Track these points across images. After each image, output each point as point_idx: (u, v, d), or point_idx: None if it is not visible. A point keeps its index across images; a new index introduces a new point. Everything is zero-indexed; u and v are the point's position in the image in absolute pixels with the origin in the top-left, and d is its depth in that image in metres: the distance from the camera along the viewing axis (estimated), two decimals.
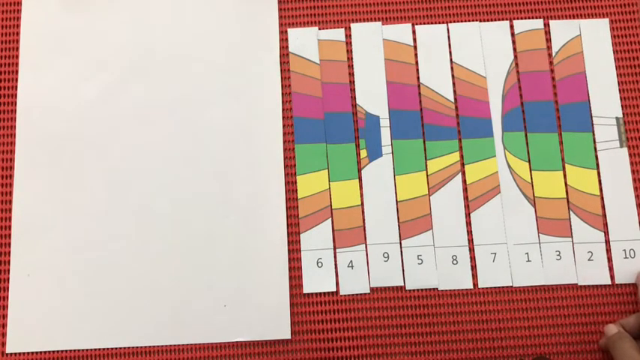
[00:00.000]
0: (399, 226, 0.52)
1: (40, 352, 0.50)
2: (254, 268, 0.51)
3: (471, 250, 0.52)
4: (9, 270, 0.51)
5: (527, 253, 0.51)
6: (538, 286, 0.51)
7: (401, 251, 0.51)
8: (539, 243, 0.52)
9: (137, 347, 0.50)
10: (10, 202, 0.52)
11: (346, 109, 0.54)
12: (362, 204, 0.52)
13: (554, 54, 0.55)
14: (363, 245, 0.52)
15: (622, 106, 0.54)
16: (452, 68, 0.55)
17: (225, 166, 0.53)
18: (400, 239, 0.52)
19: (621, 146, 0.53)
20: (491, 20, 0.56)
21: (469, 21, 0.56)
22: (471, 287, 0.51)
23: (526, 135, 0.54)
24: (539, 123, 0.54)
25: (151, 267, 0.51)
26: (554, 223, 0.52)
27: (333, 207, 0.52)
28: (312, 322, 0.50)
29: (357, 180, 0.53)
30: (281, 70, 0.55)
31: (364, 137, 0.54)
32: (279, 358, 0.50)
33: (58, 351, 0.50)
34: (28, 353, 0.50)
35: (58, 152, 0.53)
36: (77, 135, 0.53)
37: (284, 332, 0.50)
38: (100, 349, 0.50)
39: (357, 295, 0.51)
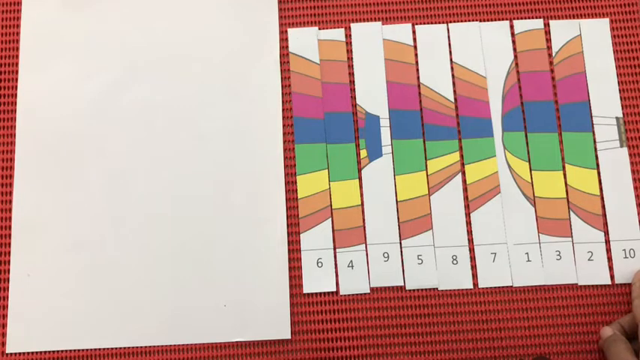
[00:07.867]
0: (399, 226, 0.52)
1: (40, 352, 0.50)
2: (254, 268, 0.51)
3: (471, 250, 0.52)
4: (9, 270, 0.51)
5: (527, 253, 0.51)
6: (538, 286, 0.51)
7: (401, 251, 0.51)
8: (539, 243, 0.52)
9: (137, 347, 0.50)
10: (10, 202, 0.52)
11: (346, 109, 0.54)
12: (362, 204, 0.52)
13: (554, 54, 0.55)
14: (363, 245, 0.52)
15: (622, 106, 0.54)
16: (452, 68, 0.55)
17: (225, 166, 0.53)
18: (400, 239, 0.52)
19: (621, 146, 0.53)
20: (491, 20, 0.56)
21: (469, 21, 0.56)
22: (471, 287, 0.51)
23: (526, 135, 0.54)
24: (539, 123, 0.54)
25: (150, 267, 0.51)
26: (554, 223, 0.52)
27: (333, 207, 0.52)
28: (312, 322, 0.50)
29: (357, 180, 0.53)
30: (281, 70, 0.55)
31: (364, 137, 0.54)
32: (279, 358, 0.50)
33: (58, 351, 0.50)
34: (28, 353, 0.50)
35: (58, 152, 0.53)
36: (77, 135, 0.53)
37: (284, 332, 0.50)
38: (100, 349, 0.50)
39: (357, 295, 0.51)
